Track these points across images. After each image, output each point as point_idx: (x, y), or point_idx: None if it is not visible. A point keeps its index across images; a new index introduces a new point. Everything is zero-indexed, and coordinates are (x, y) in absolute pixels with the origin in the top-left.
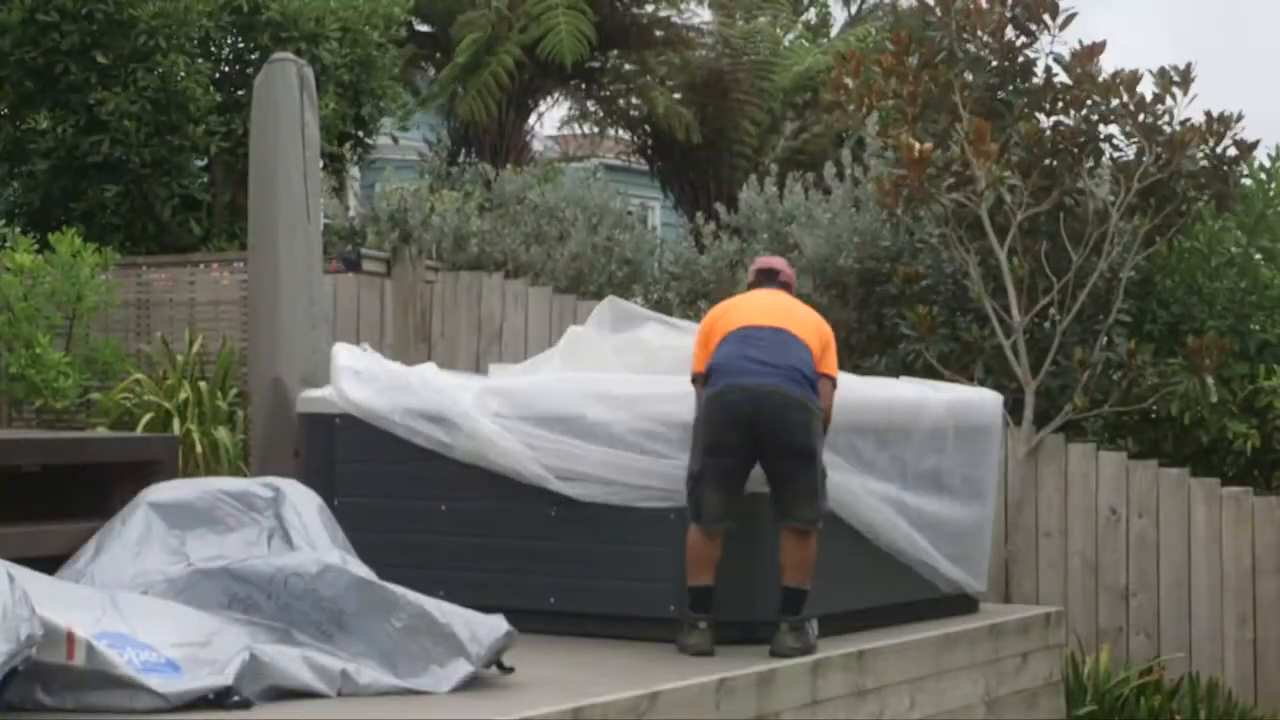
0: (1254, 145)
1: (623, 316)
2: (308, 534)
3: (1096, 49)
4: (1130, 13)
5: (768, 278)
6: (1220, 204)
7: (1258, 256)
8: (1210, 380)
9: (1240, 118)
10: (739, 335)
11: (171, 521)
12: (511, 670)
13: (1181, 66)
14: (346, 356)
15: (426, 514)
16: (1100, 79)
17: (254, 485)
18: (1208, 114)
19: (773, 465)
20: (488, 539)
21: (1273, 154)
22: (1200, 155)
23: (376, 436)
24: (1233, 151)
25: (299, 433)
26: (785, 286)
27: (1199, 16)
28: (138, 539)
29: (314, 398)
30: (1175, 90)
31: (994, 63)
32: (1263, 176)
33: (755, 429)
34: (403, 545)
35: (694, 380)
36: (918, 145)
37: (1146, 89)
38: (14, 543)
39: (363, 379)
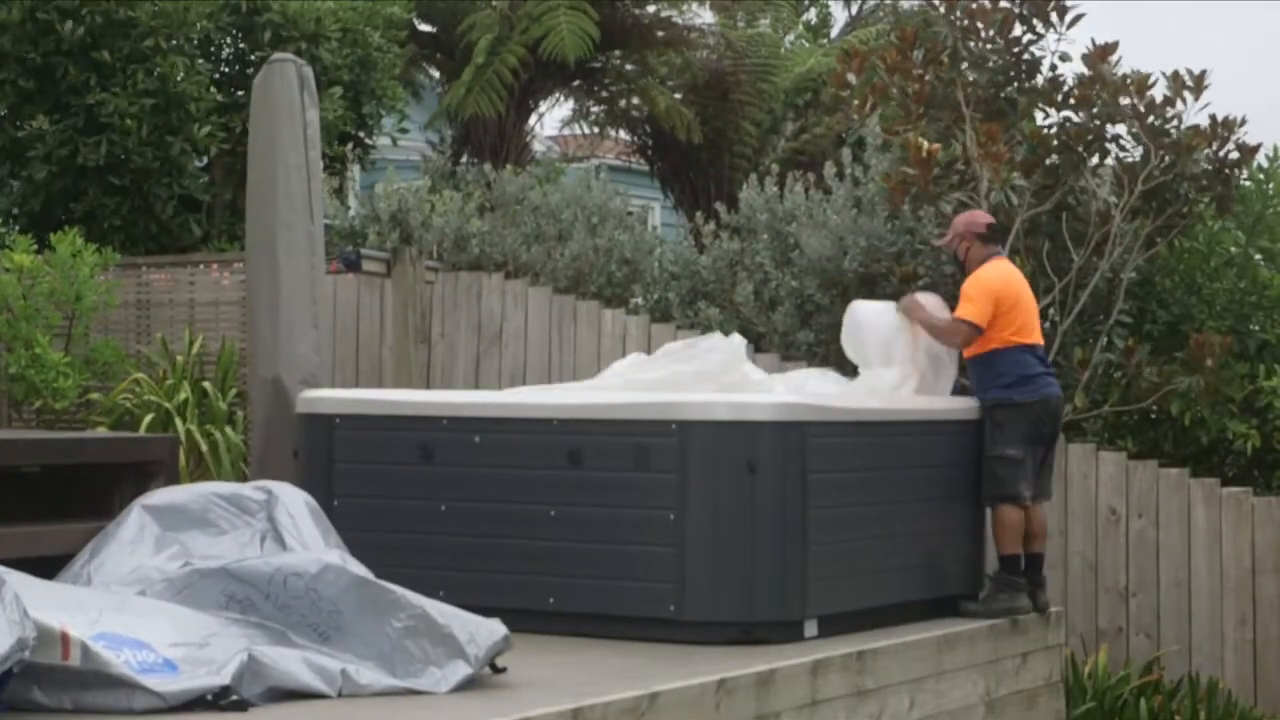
0: (1256, 149)
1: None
2: (300, 535)
3: (1109, 49)
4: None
5: (998, 239)
6: (1221, 206)
7: (1257, 257)
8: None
9: (1244, 122)
10: (1034, 350)
11: (165, 524)
12: (503, 670)
13: (1196, 71)
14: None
15: (425, 514)
16: (1111, 78)
17: (246, 488)
18: (1212, 117)
19: (1045, 451)
20: (486, 539)
21: (1271, 155)
22: (1202, 158)
23: (375, 437)
24: (1235, 155)
25: (298, 433)
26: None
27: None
28: (132, 541)
29: (313, 398)
30: (1187, 94)
31: (999, 60)
32: (1261, 177)
33: (1052, 424)
34: (401, 545)
35: (967, 324)
36: (926, 145)
37: (1158, 91)
38: (14, 543)
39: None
